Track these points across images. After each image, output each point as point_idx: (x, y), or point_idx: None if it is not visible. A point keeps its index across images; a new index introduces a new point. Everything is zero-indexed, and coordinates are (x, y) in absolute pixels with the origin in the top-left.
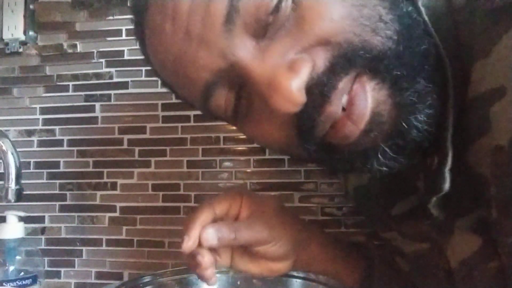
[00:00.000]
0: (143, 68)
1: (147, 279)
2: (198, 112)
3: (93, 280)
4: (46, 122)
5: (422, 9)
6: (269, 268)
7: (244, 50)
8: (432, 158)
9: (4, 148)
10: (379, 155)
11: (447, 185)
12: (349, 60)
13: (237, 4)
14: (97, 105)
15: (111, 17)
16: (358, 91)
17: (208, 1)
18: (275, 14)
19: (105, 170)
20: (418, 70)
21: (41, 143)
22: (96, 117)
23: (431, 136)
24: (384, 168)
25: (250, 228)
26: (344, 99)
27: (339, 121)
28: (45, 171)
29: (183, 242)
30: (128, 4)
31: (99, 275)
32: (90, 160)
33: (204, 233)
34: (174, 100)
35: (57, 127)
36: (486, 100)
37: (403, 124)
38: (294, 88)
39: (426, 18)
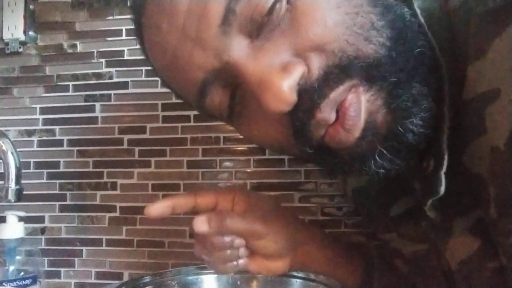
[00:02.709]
0: (143, 68)
1: (147, 279)
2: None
3: (93, 280)
4: (46, 122)
5: (418, 11)
6: (266, 266)
7: (238, 49)
8: (428, 160)
9: (4, 148)
10: (377, 157)
11: (442, 188)
12: (343, 70)
13: (234, 6)
14: (97, 105)
15: (111, 17)
16: (352, 101)
17: (205, 2)
18: (270, 15)
19: (105, 170)
20: (413, 74)
21: (41, 143)
22: (96, 117)
23: (427, 138)
24: (382, 170)
25: (243, 218)
26: (338, 106)
27: (332, 128)
28: (45, 171)
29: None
30: (128, 4)
31: (99, 275)
32: (90, 160)
33: (195, 220)
34: (174, 100)
35: (57, 127)
36: (481, 101)
37: (399, 128)
38: (285, 87)
39: (422, 20)
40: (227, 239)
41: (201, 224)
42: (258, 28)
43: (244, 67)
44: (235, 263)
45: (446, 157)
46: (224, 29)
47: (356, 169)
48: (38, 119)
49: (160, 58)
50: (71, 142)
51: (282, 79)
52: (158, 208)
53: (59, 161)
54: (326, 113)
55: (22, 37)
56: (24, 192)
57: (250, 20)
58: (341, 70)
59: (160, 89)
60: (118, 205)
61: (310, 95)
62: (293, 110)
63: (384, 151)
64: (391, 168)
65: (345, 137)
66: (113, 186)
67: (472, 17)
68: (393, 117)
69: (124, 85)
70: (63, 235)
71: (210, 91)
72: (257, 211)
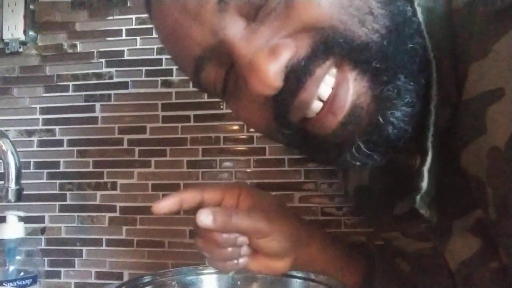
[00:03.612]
0: (143, 68)
1: (147, 279)
2: (198, 112)
3: (93, 280)
4: (46, 122)
5: (418, 9)
6: (267, 265)
7: (234, 29)
8: (415, 157)
9: (4, 148)
10: (353, 150)
11: (424, 184)
12: (327, 46)
13: None
14: (97, 105)
15: (111, 17)
16: (341, 81)
17: None
18: None
19: (105, 170)
20: (401, 67)
21: (41, 143)
22: (96, 117)
23: (408, 135)
24: (357, 163)
25: (248, 216)
26: (323, 90)
27: (320, 112)
28: (45, 171)
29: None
30: (128, 4)
31: (99, 275)
32: (90, 160)
33: (199, 213)
34: (174, 100)
35: (57, 127)
36: (482, 101)
37: (380, 118)
38: (271, 72)
39: (421, 18)
40: (231, 236)
41: (205, 218)
42: (256, 10)
43: (237, 47)
44: (236, 261)
45: (430, 154)
46: (222, 7)
47: (332, 158)
48: (38, 119)
49: (162, 30)
50: (71, 142)
51: (268, 63)
52: (166, 204)
53: (59, 161)
54: (310, 93)
55: (22, 37)
56: (24, 192)
57: (248, 1)
58: (325, 46)
59: (160, 89)
60: (118, 205)
61: (296, 74)
62: (278, 92)
63: (362, 145)
64: (367, 162)
65: (329, 121)
66: (113, 186)
67: (477, 17)
68: (375, 105)
69: (124, 85)
70: (63, 235)
71: (206, 67)
72: (262, 209)
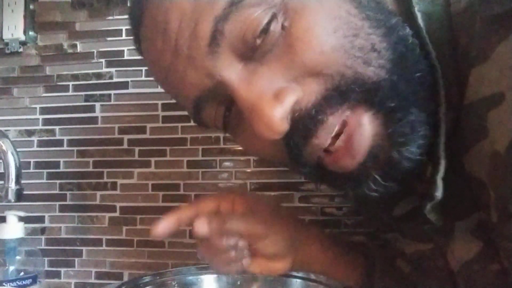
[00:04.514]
0: (143, 68)
1: (147, 279)
2: None
3: (93, 280)
4: (46, 122)
5: (418, 15)
6: (267, 266)
7: (231, 71)
8: (426, 165)
9: (4, 148)
10: (370, 183)
11: (439, 193)
12: (342, 93)
13: (222, 27)
14: (97, 105)
15: (111, 17)
16: (356, 125)
17: (195, 22)
18: (263, 37)
19: (105, 170)
20: (413, 100)
21: (41, 143)
22: (96, 117)
23: (422, 161)
24: (374, 194)
25: (243, 219)
26: (336, 129)
27: (337, 152)
28: (45, 171)
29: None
30: (128, 4)
31: (99, 275)
32: (90, 160)
33: (195, 223)
34: (174, 100)
35: (57, 127)
36: (483, 105)
37: (396, 155)
38: (276, 117)
39: (422, 25)
40: (231, 241)
41: (201, 227)
42: (251, 50)
43: (237, 91)
44: (238, 264)
45: (443, 162)
46: (214, 49)
47: (349, 189)
48: (38, 119)
49: (156, 72)
50: (71, 142)
51: (273, 108)
52: (163, 226)
53: (59, 161)
54: (323, 139)
55: (22, 37)
56: (24, 192)
57: (242, 41)
58: (339, 94)
59: (160, 89)
60: (118, 205)
61: (305, 122)
62: (288, 135)
63: (378, 178)
64: (384, 192)
65: (348, 162)
66: (113, 186)
67: (477, 21)
68: (390, 142)
69: (124, 85)
70: (63, 235)
71: (205, 106)
72: (258, 212)
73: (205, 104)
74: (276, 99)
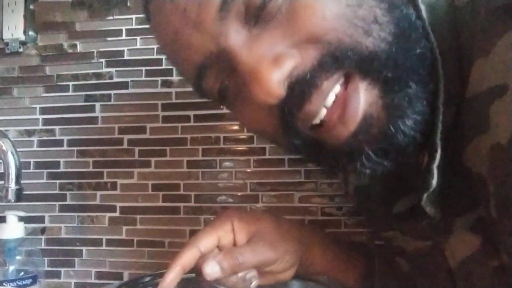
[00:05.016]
0: (143, 68)
1: (147, 279)
2: (198, 112)
3: (93, 280)
4: (46, 122)
5: (422, 7)
6: (275, 278)
7: (235, 37)
8: (423, 155)
9: (4, 148)
10: (363, 158)
11: (434, 182)
12: (337, 59)
13: None
14: (97, 105)
15: (111, 17)
16: (351, 92)
17: None
18: (267, 4)
19: (105, 170)
20: (411, 74)
21: (41, 143)
22: (96, 117)
23: (417, 141)
24: (367, 170)
25: (253, 251)
26: (330, 99)
27: (330, 121)
28: (45, 171)
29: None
30: (128, 4)
31: (99, 275)
32: (90, 160)
33: (205, 267)
34: (174, 100)
35: (57, 127)
36: (485, 98)
37: (391, 127)
38: (273, 80)
39: (425, 16)
40: (239, 275)
41: (213, 271)
42: (256, 17)
43: (239, 54)
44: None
45: (439, 151)
46: (222, 14)
47: (342, 166)
48: (38, 119)
49: (162, 38)
50: (71, 142)
51: (271, 72)
52: (172, 279)
53: (59, 161)
54: (315, 105)
55: (22, 37)
56: (24, 192)
57: (248, 7)
58: (334, 59)
59: (160, 89)
60: (118, 205)
61: (301, 86)
62: (283, 102)
63: (372, 154)
64: (377, 169)
65: (340, 131)
66: (113, 186)
67: (480, 13)
68: (386, 114)
69: (124, 85)
70: (63, 235)
71: (207, 74)
72: (262, 237)
73: (207, 71)
74: (274, 63)
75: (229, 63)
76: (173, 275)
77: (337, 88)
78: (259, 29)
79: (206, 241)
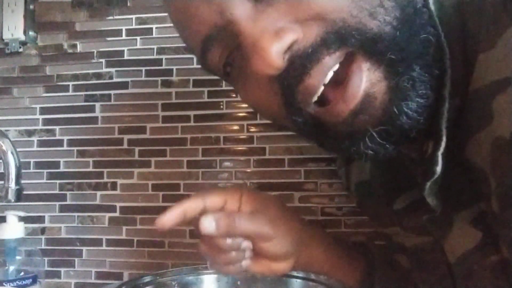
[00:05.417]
0: (143, 68)
1: (147, 279)
2: (198, 112)
3: (93, 280)
4: (46, 122)
5: (430, 0)
6: (270, 267)
7: (241, 10)
8: (427, 143)
9: (4, 148)
10: (367, 139)
11: (439, 168)
12: (340, 37)
13: None
14: (97, 105)
15: (111, 17)
16: (354, 70)
17: None
18: None
19: (105, 170)
20: (416, 57)
21: (41, 143)
22: (96, 117)
23: (421, 125)
24: (370, 152)
25: (252, 220)
26: (330, 76)
27: (331, 99)
28: (45, 171)
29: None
30: (128, 4)
31: (99, 275)
32: (90, 160)
33: (202, 221)
34: (174, 100)
35: (57, 127)
36: (489, 91)
37: (394, 109)
38: (272, 51)
39: (432, 8)
40: (235, 241)
41: (208, 225)
42: None
43: (242, 27)
44: (239, 264)
45: (444, 138)
46: None
47: (345, 148)
48: (38, 119)
49: (173, 11)
50: (71, 142)
51: (271, 43)
52: (170, 217)
53: (59, 161)
54: (315, 79)
55: (22, 37)
56: (24, 192)
57: None
58: (338, 37)
59: (160, 89)
60: (118, 205)
61: (301, 60)
62: (283, 76)
63: (375, 135)
64: (380, 152)
65: (341, 109)
66: (113, 186)
67: (486, 7)
68: (390, 96)
69: (124, 85)
70: (63, 235)
71: (212, 47)
72: (266, 213)
73: (212, 44)
74: (276, 36)
75: (233, 37)
76: (172, 213)
77: (337, 67)
78: (264, 4)
79: (213, 198)
